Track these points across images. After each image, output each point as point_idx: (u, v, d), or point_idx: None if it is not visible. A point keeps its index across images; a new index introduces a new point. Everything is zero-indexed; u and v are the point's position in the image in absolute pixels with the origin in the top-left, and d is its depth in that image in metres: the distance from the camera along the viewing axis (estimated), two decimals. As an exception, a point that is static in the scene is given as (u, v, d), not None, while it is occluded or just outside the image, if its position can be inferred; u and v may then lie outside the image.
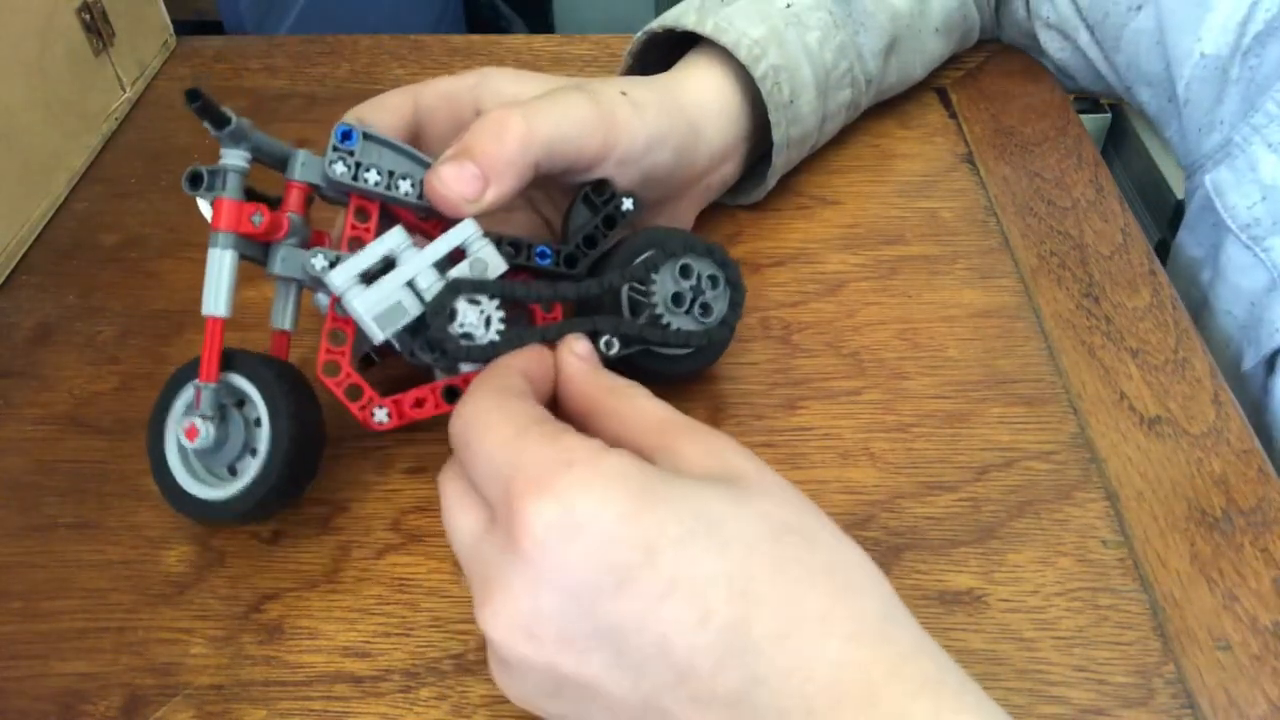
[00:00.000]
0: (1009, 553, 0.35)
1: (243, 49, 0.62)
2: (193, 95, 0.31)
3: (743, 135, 0.45)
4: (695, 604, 0.24)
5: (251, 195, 0.34)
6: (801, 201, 0.49)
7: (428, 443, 0.39)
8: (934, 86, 0.56)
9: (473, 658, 0.33)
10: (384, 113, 0.38)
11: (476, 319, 0.34)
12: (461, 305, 0.34)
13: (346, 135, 0.34)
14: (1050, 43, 0.56)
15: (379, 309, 0.33)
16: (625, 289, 0.36)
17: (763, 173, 0.47)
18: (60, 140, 0.51)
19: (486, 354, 0.34)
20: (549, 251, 0.37)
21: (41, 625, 0.34)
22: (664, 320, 0.36)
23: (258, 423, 0.34)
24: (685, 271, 0.37)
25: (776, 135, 0.45)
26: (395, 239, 0.34)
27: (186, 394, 0.34)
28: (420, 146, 0.38)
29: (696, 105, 0.43)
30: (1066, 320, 0.43)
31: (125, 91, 0.57)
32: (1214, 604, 0.33)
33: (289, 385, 0.34)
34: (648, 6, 1.59)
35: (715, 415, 0.40)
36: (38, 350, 0.43)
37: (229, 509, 0.33)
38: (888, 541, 0.35)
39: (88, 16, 0.53)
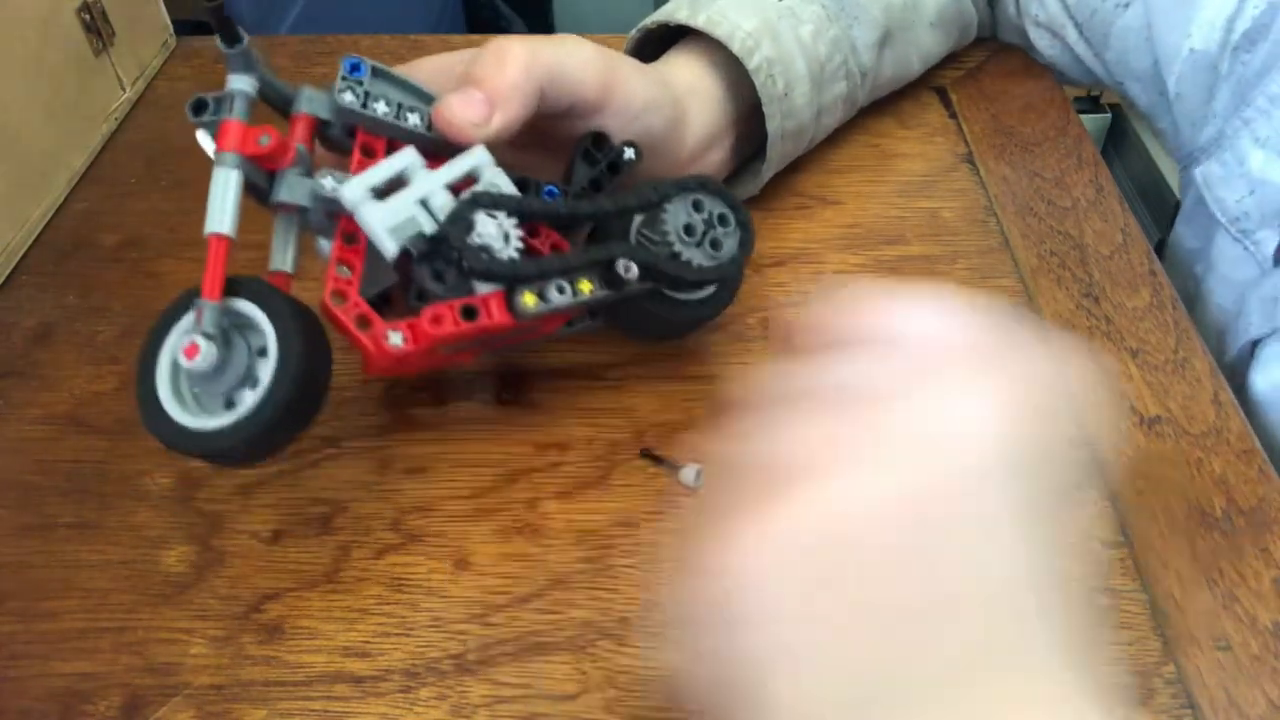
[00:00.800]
0: (1009, 553, 0.35)
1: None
2: (217, 9, 0.31)
3: (727, 123, 0.45)
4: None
5: None
6: (801, 201, 0.49)
7: (428, 443, 0.39)
8: (934, 86, 0.56)
9: (473, 658, 0.33)
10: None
11: (495, 231, 0.33)
12: (480, 217, 0.33)
13: (355, 67, 0.34)
14: (1040, 40, 0.56)
15: (393, 221, 0.33)
16: (636, 229, 0.37)
17: (756, 168, 0.47)
18: (60, 140, 0.51)
19: (507, 270, 0.33)
20: (555, 190, 0.37)
21: (41, 625, 0.34)
22: (679, 253, 0.36)
23: (262, 352, 0.32)
24: (698, 206, 0.37)
25: (771, 127, 0.45)
26: (407, 157, 0.34)
27: (190, 318, 0.32)
28: None
29: (683, 87, 0.43)
30: (1066, 320, 0.43)
31: (125, 91, 0.57)
32: (1214, 604, 0.33)
33: (300, 321, 0.32)
34: (647, 6, 1.59)
35: (715, 415, 0.40)
36: (38, 350, 0.43)
37: (219, 440, 0.31)
38: (888, 541, 0.35)
39: (88, 16, 0.53)
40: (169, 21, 0.62)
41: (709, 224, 0.37)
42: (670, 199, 0.36)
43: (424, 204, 0.33)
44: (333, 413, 0.40)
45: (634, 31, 0.48)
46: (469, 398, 0.41)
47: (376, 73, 0.34)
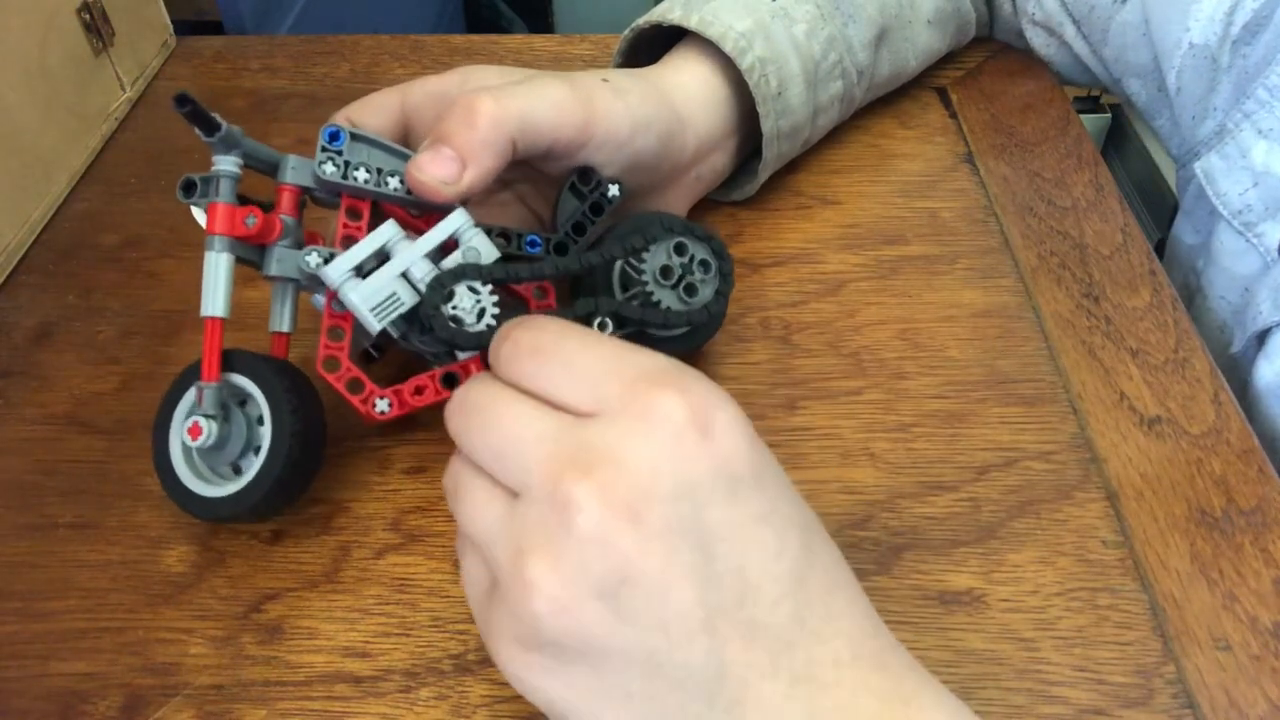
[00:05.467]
0: (1009, 553, 0.35)
1: (243, 49, 0.62)
2: (182, 100, 0.31)
3: (731, 126, 0.45)
4: (778, 537, 0.25)
5: (245, 202, 0.34)
6: (801, 201, 0.49)
7: (428, 443, 0.39)
8: (934, 86, 0.56)
9: (473, 658, 0.33)
10: (372, 112, 0.38)
11: (470, 305, 0.34)
12: (459, 290, 0.34)
13: (334, 136, 0.34)
14: (1036, 39, 0.56)
15: (374, 300, 0.34)
16: (619, 265, 0.37)
17: (755, 168, 0.47)
18: (60, 140, 0.51)
19: (477, 342, 0.34)
20: (538, 240, 0.37)
21: (41, 625, 0.34)
22: (651, 293, 0.36)
23: (260, 420, 0.34)
24: (680, 249, 0.37)
25: (766, 127, 0.45)
26: (388, 232, 0.35)
27: (190, 396, 0.35)
28: (410, 145, 0.38)
29: (682, 94, 0.43)
30: (1066, 320, 0.43)
31: (125, 91, 0.57)
32: (1214, 604, 0.33)
33: (290, 382, 0.34)
34: (647, 7, 1.59)
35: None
36: (38, 350, 0.43)
37: (234, 505, 0.33)
38: (888, 541, 0.35)
39: (88, 16, 0.53)
40: (169, 21, 0.62)
41: (686, 269, 0.37)
42: (655, 241, 0.37)
43: (405, 276, 0.34)
44: (333, 413, 0.40)
45: (626, 33, 0.48)
46: (469, 398, 0.41)
47: (355, 138, 0.35)
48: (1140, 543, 0.35)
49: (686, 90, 0.43)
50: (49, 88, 0.50)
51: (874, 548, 0.35)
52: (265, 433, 0.34)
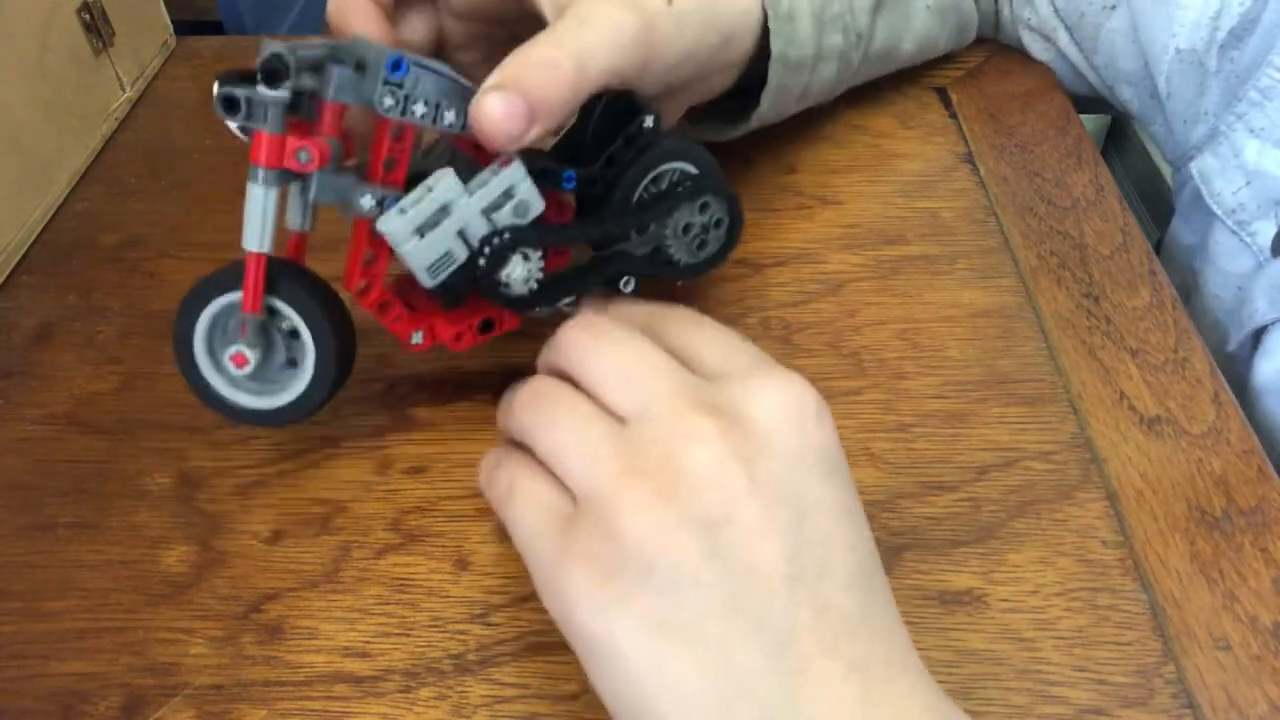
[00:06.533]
0: (1009, 553, 0.35)
1: (243, 49, 0.62)
2: (270, 64, 0.30)
3: (750, 52, 0.44)
4: (856, 532, 0.27)
5: (291, 107, 0.32)
6: (801, 201, 0.49)
7: (428, 443, 0.39)
8: (934, 86, 0.56)
9: (473, 658, 0.33)
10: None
11: (521, 273, 0.35)
12: (513, 258, 0.35)
13: (397, 65, 0.32)
14: (1033, 45, 0.56)
15: (431, 259, 0.34)
16: (639, 193, 0.37)
17: (736, 114, 0.46)
18: (60, 140, 0.51)
19: (524, 303, 0.36)
20: (573, 176, 0.36)
21: (41, 625, 0.34)
22: (669, 244, 0.38)
23: (294, 334, 0.34)
24: (704, 208, 0.38)
25: (775, 46, 0.43)
26: (450, 190, 0.33)
27: (211, 310, 0.34)
28: (443, 51, 0.38)
29: (736, 13, 0.41)
30: (1066, 320, 0.43)
31: (125, 91, 0.57)
32: (1214, 604, 0.33)
33: (326, 302, 0.34)
34: None
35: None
36: (38, 350, 0.43)
37: (282, 417, 0.35)
38: (888, 541, 0.35)
39: (88, 16, 0.53)
40: (169, 21, 0.62)
41: (706, 227, 0.38)
42: (685, 200, 0.37)
43: (461, 234, 0.34)
44: (333, 412, 0.40)
45: None
46: (469, 398, 0.41)
47: (418, 67, 0.33)
48: (1140, 543, 0.35)
49: (743, 7, 0.42)
50: (49, 88, 0.50)
51: (874, 548, 0.35)
52: (304, 343, 0.34)
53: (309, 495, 0.37)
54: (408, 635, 0.33)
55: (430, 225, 0.33)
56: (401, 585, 0.35)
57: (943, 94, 0.56)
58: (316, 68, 0.32)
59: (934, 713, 0.26)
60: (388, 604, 0.34)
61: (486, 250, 0.34)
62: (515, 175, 0.34)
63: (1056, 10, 0.53)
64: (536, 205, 0.35)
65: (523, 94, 0.33)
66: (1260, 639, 0.32)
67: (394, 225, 0.33)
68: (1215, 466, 0.37)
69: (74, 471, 0.39)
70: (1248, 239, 0.46)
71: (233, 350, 0.34)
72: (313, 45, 0.32)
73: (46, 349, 0.43)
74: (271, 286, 0.33)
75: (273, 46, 0.30)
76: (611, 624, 0.25)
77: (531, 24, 0.38)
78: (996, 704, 0.31)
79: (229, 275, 0.33)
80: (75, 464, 0.39)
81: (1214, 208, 0.47)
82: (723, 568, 0.25)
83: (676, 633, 0.25)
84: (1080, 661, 0.32)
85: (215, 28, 0.80)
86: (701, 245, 0.39)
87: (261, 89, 0.31)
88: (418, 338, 0.36)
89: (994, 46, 0.59)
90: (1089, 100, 0.57)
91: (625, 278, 0.37)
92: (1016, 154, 0.52)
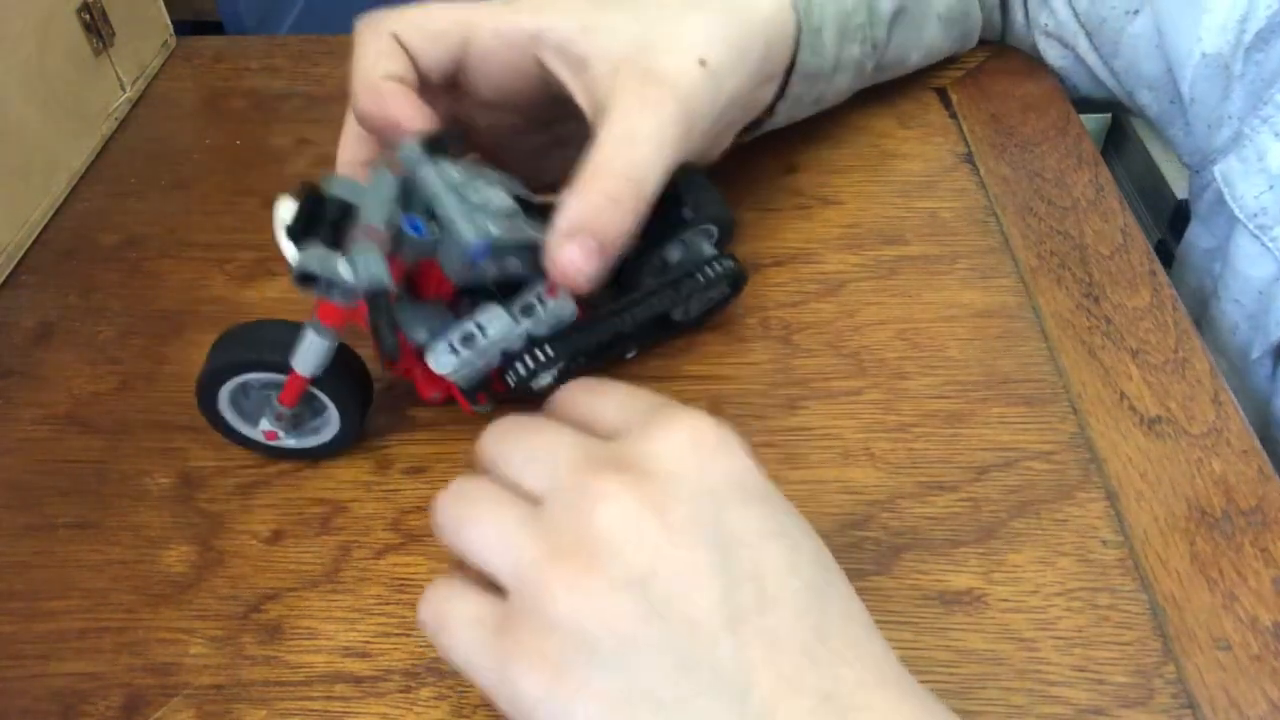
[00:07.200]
0: (1009, 553, 0.35)
1: (243, 49, 0.62)
2: (302, 243, 0.32)
3: (788, 63, 0.44)
4: (792, 553, 0.26)
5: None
6: (801, 201, 0.49)
7: (428, 443, 0.39)
8: (934, 86, 0.56)
9: (473, 658, 0.33)
10: (431, 39, 0.37)
11: (548, 381, 0.37)
12: (543, 374, 0.37)
13: (484, 250, 0.33)
14: (1050, 50, 0.56)
15: (462, 370, 0.36)
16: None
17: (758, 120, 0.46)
18: (60, 140, 0.51)
19: (538, 394, 0.37)
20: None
21: (41, 625, 0.34)
22: (669, 313, 0.40)
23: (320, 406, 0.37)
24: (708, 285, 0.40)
25: (802, 58, 0.43)
26: (499, 327, 0.36)
27: (230, 386, 0.36)
28: (463, 79, 0.38)
29: (772, 31, 0.41)
30: (1066, 320, 0.43)
31: (125, 91, 0.57)
32: (1214, 604, 0.33)
33: (349, 370, 0.37)
34: None
35: (715, 414, 0.40)
36: (38, 350, 0.43)
37: (314, 452, 0.38)
38: (888, 541, 0.35)
39: (88, 16, 0.53)
40: (169, 21, 0.62)
41: (700, 291, 0.40)
42: (704, 289, 0.40)
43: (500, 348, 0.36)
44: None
45: None
46: (469, 398, 0.41)
47: (498, 250, 0.34)
48: (1140, 543, 0.35)
49: (777, 16, 0.41)
50: (49, 88, 0.50)
51: (874, 548, 0.35)
52: (330, 419, 0.37)
53: (309, 495, 0.37)
54: (408, 635, 0.33)
55: (477, 358, 0.36)
56: (401, 585, 0.35)
57: (943, 94, 0.56)
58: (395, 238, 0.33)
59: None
60: (388, 604, 0.34)
61: (522, 366, 0.36)
62: (564, 308, 0.36)
63: (1076, 15, 0.53)
64: (569, 312, 0.37)
65: (594, 235, 0.34)
66: (1260, 639, 0.32)
67: (445, 364, 0.35)
68: (1215, 466, 0.37)
69: (74, 471, 0.39)
70: (1269, 244, 0.46)
71: (265, 427, 0.37)
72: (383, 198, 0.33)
73: (46, 349, 0.43)
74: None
75: (362, 247, 0.31)
76: (579, 706, 0.24)
77: (557, 109, 0.38)
78: (996, 704, 0.31)
79: (257, 343, 0.35)
80: (75, 464, 0.39)
81: (1236, 212, 0.47)
82: (662, 626, 0.24)
83: (639, 705, 0.24)
84: (1080, 661, 0.32)
85: (215, 28, 0.80)
86: (691, 306, 0.41)
87: (342, 271, 0.31)
88: (436, 396, 0.38)
89: (994, 47, 0.59)
90: (1089, 101, 0.57)
91: (631, 346, 0.40)
92: (1016, 154, 0.52)
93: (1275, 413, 0.45)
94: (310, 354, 0.34)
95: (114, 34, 0.55)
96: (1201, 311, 0.52)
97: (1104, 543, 0.35)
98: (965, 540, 0.35)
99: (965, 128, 0.53)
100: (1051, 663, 0.32)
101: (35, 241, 0.49)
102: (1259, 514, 0.35)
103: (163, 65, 0.61)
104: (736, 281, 0.41)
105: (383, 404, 0.40)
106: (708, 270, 0.40)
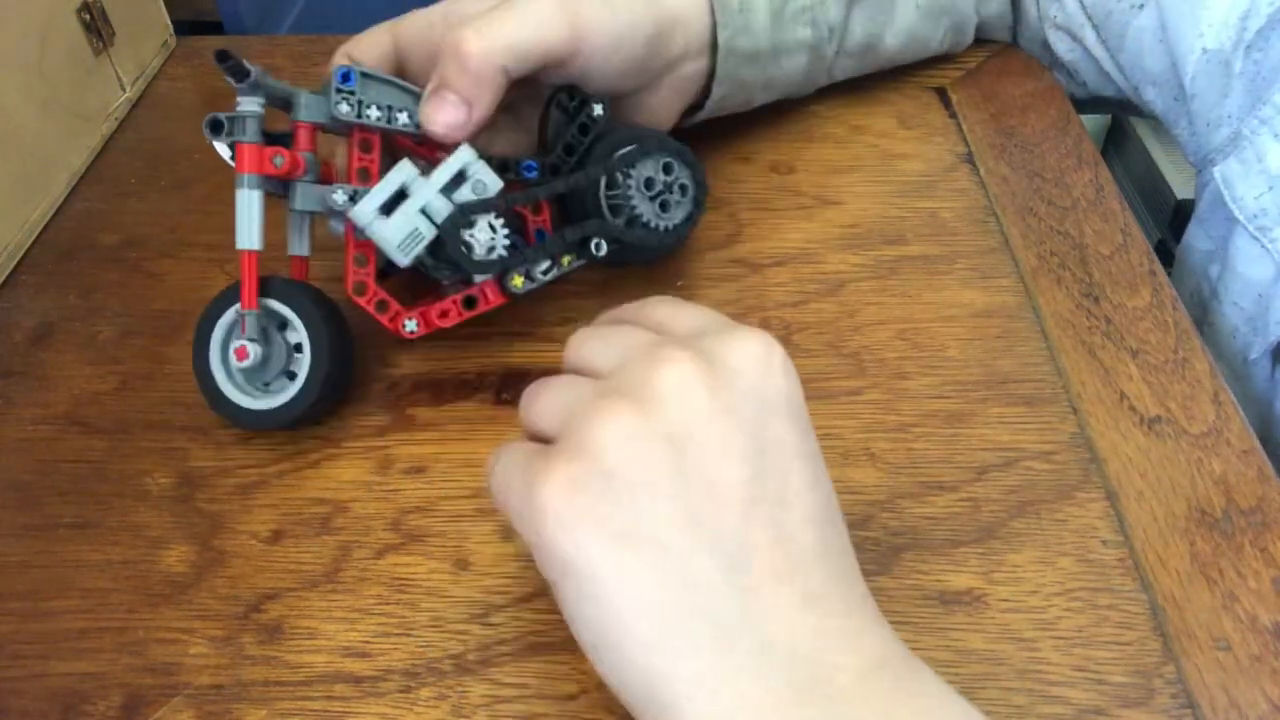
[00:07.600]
0: (1009, 553, 0.35)
1: (243, 49, 0.62)
2: (222, 55, 0.35)
3: (708, 42, 0.46)
4: (814, 478, 0.28)
5: (270, 140, 0.37)
6: (801, 201, 0.49)
7: (428, 443, 0.39)
8: (934, 86, 0.56)
9: (473, 658, 0.33)
10: (367, 48, 0.41)
11: (485, 237, 0.38)
12: (478, 221, 0.38)
13: (346, 76, 0.37)
14: (1059, 44, 0.55)
15: (400, 236, 0.37)
16: (603, 183, 0.40)
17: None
18: (60, 140, 0.51)
19: (495, 267, 0.38)
20: (534, 165, 0.40)
21: (41, 625, 0.34)
22: (634, 205, 0.40)
23: (298, 349, 0.38)
24: (667, 168, 0.41)
25: (722, 37, 0.45)
26: (405, 172, 0.37)
27: (227, 318, 0.38)
28: (404, 77, 0.41)
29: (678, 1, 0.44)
30: (1066, 320, 0.43)
31: (125, 91, 0.57)
32: (1214, 604, 0.33)
33: (320, 304, 0.38)
34: None
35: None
36: (38, 350, 0.43)
37: (279, 416, 0.38)
38: (888, 541, 0.35)
39: (88, 16, 0.53)
40: (169, 21, 0.62)
41: (668, 187, 0.41)
42: (647, 156, 0.41)
43: (424, 211, 0.37)
44: (333, 412, 0.40)
45: None
46: (469, 398, 0.41)
47: (365, 77, 0.38)
48: (1140, 543, 0.35)
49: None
50: (49, 88, 0.50)
51: (874, 548, 0.35)
52: (304, 352, 0.37)
53: (309, 495, 0.37)
54: (408, 635, 0.33)
55: (392, 205, 0.37)
56: (401, 585, 0.35)
57: (943, 94, 0.56)
58: (287, 98, 0.37)
59: (890, 653, 0.26)
60: (388, 604, 0.34)
61: (450, 222, 0.37)
62: (465, 156, 0.38)
63: (1084, 6, 0.53)
64: (494, 183, 0.38)
65: (447, 86, 0.37)
66: (1260, 639, 0.32)
67: (359, 209, 0.37)
68: (1215, 466, 0.37)
69: (74, 471, 0.39)
70: (1269, 245, 0.46)
71: (235, 345, 0.37)
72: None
73: (46, 349, 0.43)
74: (268, 290, 0.38)
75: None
76: (578, 537, 0.25)
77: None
78: (997, 704, 0.31)
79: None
80: (75, 464, 0.39)
81: (1236, 212, 0.47)
82: (683, 483, 0.26)
83: (638, 542, 0.25)
84: (1080, 661, 0.32)
85: (215, 28, 0.80)
86: (665, 207, 0.41)
87: (239, 102, 0.36)
88: (411, 325, 0.39)
89: (994, 47, 0.59)
90: (1100, 100, 0.57)
91: (596, 240, 0.40)
92: (1016, 154, 0.52)
93: (1276, 414, 0.45)
94: (243, 216, 0.36)
95: (114, 34, 0.55)
96: (1201, 313, 0.52)
97: (1104, 543, 0.35)
98: (965, 540, 0.35)
99: (965, 128, 0.53)
100: (1052, 663, 0.32)
101: (35, 241, 0.49)
102: (1259, 514, 0.35)
103: (163, 65, 0.61)
104: (697, 183, 0.42)
105: (383, 404, 0.40)
106: (656, 145, 0.41)
